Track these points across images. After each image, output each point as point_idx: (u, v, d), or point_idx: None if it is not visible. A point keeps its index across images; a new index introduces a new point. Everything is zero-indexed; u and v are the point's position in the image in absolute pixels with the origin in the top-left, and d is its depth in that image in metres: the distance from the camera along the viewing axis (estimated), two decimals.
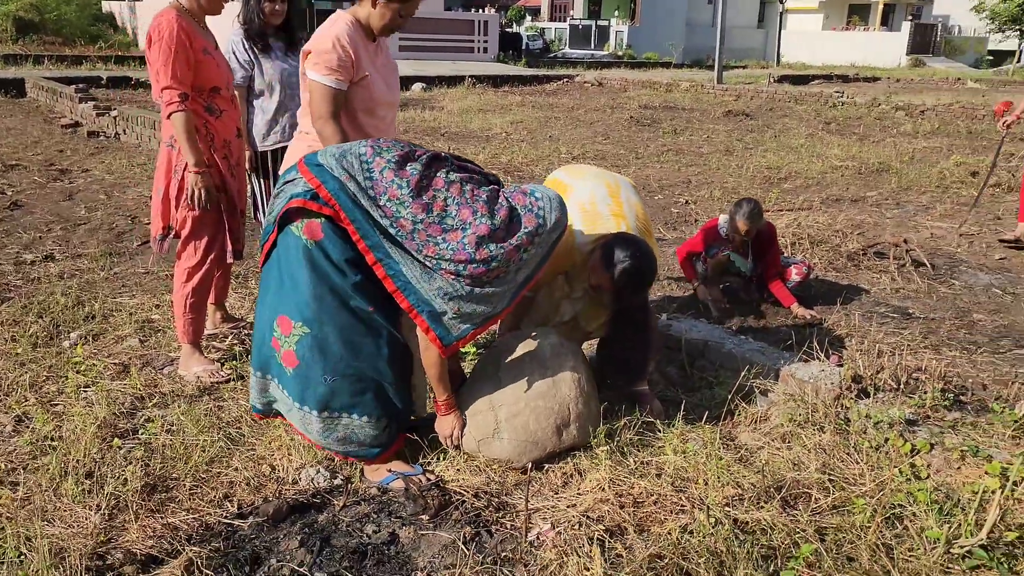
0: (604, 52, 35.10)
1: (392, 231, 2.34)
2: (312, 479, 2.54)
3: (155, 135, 8.53)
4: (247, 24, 4.01)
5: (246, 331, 3.75)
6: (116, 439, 2.73)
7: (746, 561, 2.10)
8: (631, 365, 3.00)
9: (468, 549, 2.21)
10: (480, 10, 31.45)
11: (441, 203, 2.34)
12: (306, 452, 2.66)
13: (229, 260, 3.37)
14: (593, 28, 37.81)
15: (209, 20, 3.26)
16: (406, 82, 16.99)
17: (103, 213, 5.99)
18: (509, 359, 2.72)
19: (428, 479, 2.52)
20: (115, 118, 9.53)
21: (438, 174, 2.39)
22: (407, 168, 2.36)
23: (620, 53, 34.61)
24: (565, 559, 2.13)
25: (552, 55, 31.61)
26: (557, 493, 2.50)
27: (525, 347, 2.74)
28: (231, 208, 3.29)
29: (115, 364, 3.39)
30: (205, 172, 3.12)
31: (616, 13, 41.66)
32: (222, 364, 3.37)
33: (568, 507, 2.39)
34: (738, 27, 41.50)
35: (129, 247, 5.16)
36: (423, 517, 2.35)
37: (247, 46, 4.01)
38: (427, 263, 2.35)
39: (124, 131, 9.31)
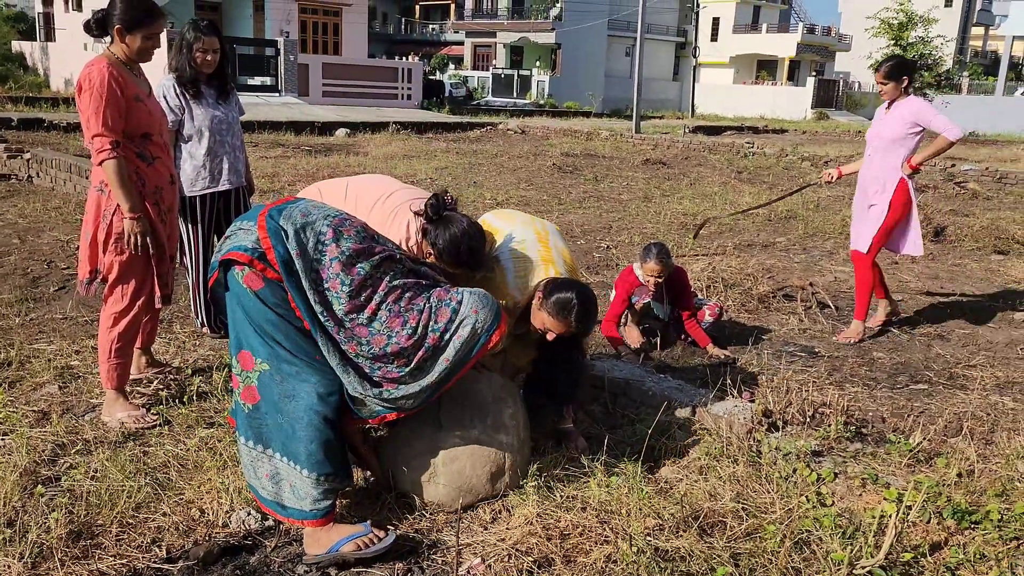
0: (526, 100, 35.89)
1: (321, 318, 2.38)
2: (243, 521, 2.55)
3: (70, 178, 8.34)
4: (178, 72, 4.04)
5: (171, 376, 3.72)
6: (38, 486, 2.68)
7: None
8: (561, 390, 3.09)
9: None
10: (404, 58, 31.80)
11: (374, 306, 2.38)
12: (236, 495, 2.66)
13: (157, 305, 3.37)
14: (515, 77, 38.68)
15: (144, 65, 3.30)
16: (330, 127, 17.04)
17: (16, 258, 5.83)
18: (450, 402, 2.73)
19: (380, 534, 2.42)
20: (28, 160, 9.28)
21: (384, 277, 2.42)
22: (356, 266, 2.39)
23: (542, 102, 35.45)
24: None
25: (475, 103, 32.17)
26: (486, 528, 2.57)
27: (467, 390, 2.76)
28: (160, 254, 3.30)
29: (34, 411, 3.31)
30: (140, 217, 3.13)
31: (537, 63, 42.76)
32: (148, 409, 3.34)
33: (497, 541, 2.47)
34: (655, 79, 43.14)
35: (46, 292, 5.04)
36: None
37: (178, 91, 4.03)
38: (347, 355, 2.41)
39: (37, 174, 9.07)
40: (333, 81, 24.64)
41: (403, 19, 53.26)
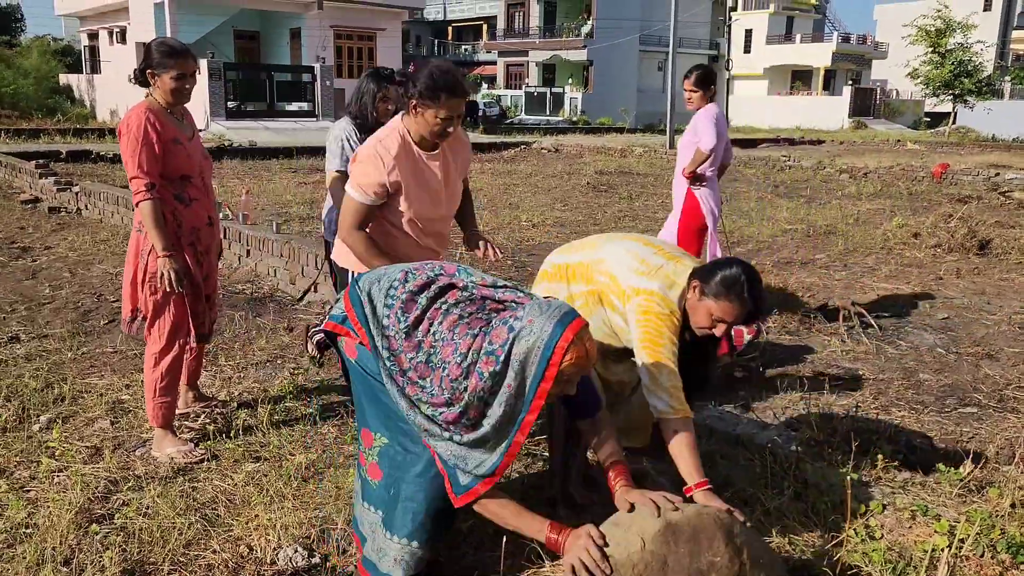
0: (559, 118, 36.01)
1: (388, 363, 2.18)
2: (290, 559, 2.58)
3: (117, 210, 8.56)
4: (358, 119, 3.96)
5: (218, 410, 3.80)
6: (93, 524, 2.75)
7: None
8: (708, 378, 2.77)
9: None
10: None
11: (431, 340, 2.12)
12: (283, 532, 2.70)
13: (192, 344, 3.46)
14: (548, 95, 38.84)
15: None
16: None
17: (68, 291, 5.99)
18: None
19: None
20: (76, 193, 9.55)
21: (443, 306, 2.16)
22: (417, 299, 2.19)
23: (575, 119, 35.54)
24: None
25: (509, 121, 32.35)
26: None
27: None
28: (195, 293, 3.39)
29: (87, 447, 3.40)
30: (174, 255, 3.23)
31: (570, 80, 42.87)
32: (195, 444, 3.41)
33: None
34: None
35: (96, 325, 5.18)
36: None
37: (358, 138, 3.94)
38: (412, 399, 2.16)
39: (86, 206, 9.33)
40: None
41: (436, 41, 53.89)
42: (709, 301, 2.45)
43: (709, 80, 5.24)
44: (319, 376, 4.26)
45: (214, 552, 2.62)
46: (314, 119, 23.54)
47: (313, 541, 2.69)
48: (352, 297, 2.33)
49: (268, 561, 2.59)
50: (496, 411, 2.02)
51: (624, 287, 2.60)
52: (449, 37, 54.39)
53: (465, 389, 2.02)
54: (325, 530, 2.72)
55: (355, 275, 2.42)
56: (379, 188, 2.93)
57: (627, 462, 2.31)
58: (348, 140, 3.99)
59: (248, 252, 6.76)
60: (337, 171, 3.97)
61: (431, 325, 2.13)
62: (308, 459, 3.25)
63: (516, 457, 2.19)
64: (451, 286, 2.22)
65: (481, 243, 3.34)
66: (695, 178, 5.32)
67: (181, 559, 2.59)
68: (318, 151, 16.61)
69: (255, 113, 23.08)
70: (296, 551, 2.62)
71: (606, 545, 2.03)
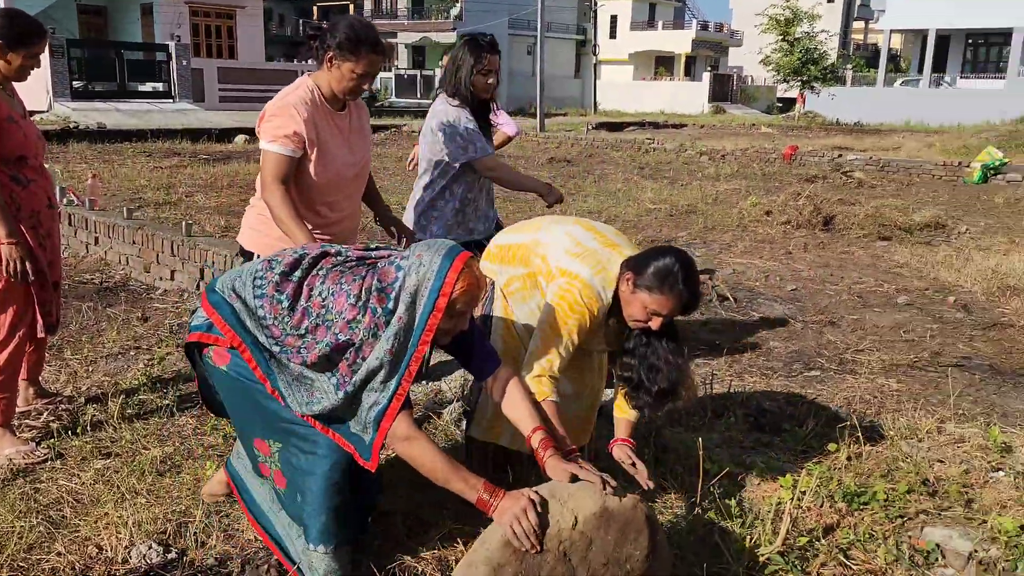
0: (430, 101, 35.67)
1: (276, 350, 2.12)
2: (144, 556, 2.46)
3: None
4: (455, 96, 3.54)
5: (63, 406, 3.56)
6: None
7: None
8: (664, 385, 2.48)
9: None
10: (304, 60, 31.19)
11: (318, 301, 2.07)
12: (136, 529, 2.57)
13: (41, 335, 3.22)
14: (418, 77, 38.48)
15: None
16: (228, 134, 16.57)
17: None
18: None
19: None
20: None
21: (318, 272, 2.13)
22: (290, 276, 2.13)
23: None
24: None
25: (379, 104, 31.83)
26: None
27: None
28: (41, 281, 3.15)
29: None
30: (18, 242, 2.98)
31: (440, 63, 42.57)
32: (37, 443, 3.18)
33: None
34: (557, 77, 43.55)
35: None
36: None
37: (469, 117, 3.55)
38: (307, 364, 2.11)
39: None
40: (230, 86, 23.98)
41: (300, 20, 52.19)
42: (643, 294, 2.34)
43: None
44: (177, 365, 4.07)
45: (59, 555, 2.46)
46: (171, 100, 22.35)
47: (169, 536, 2.57)
48: (213, 300, 2.23)
49: (119, 560, 2.46)
50: (385, 345, 2.00)
51: (553, 267, 2.51)
52: (315, 16, 52.78)
53: (361, 326, 2.02)
54: (183, 524, 2.61)
55: (206, 286, 2.28)
56: (297, 138, 2.80)
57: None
58: (467, 127, 3.52)
59: (96, 239, 6.36)
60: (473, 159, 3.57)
61: (311, 291, 2.09)
62: (164, 452, 3.10)
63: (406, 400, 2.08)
64: (323, 255, 2.19)
65: (394, 228, 3.28)
66: None
67: (22, 564, 2.41)
68: (174, 134, 15.80)
69: (104, 94, 21.61)
70: (151, 547, 2.50)
71: (546, 513, 1.98)
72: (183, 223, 5.72)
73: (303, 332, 2.08)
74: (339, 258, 2.16)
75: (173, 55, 22.50)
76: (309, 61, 31.97)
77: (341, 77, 2.80)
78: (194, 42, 25.38)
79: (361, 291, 2.03)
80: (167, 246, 5.58)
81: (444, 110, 3.59)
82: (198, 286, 5.30)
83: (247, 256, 3.10)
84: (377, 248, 2.23)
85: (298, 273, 2.13)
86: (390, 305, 2.00)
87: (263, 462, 2.32)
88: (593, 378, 2.80)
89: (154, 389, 3.76)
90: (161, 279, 5.65)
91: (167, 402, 3.58)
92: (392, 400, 2.04)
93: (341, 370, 2.07)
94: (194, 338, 2.27)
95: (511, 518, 1.93)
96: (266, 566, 2.37)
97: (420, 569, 2.39)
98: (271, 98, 2.92)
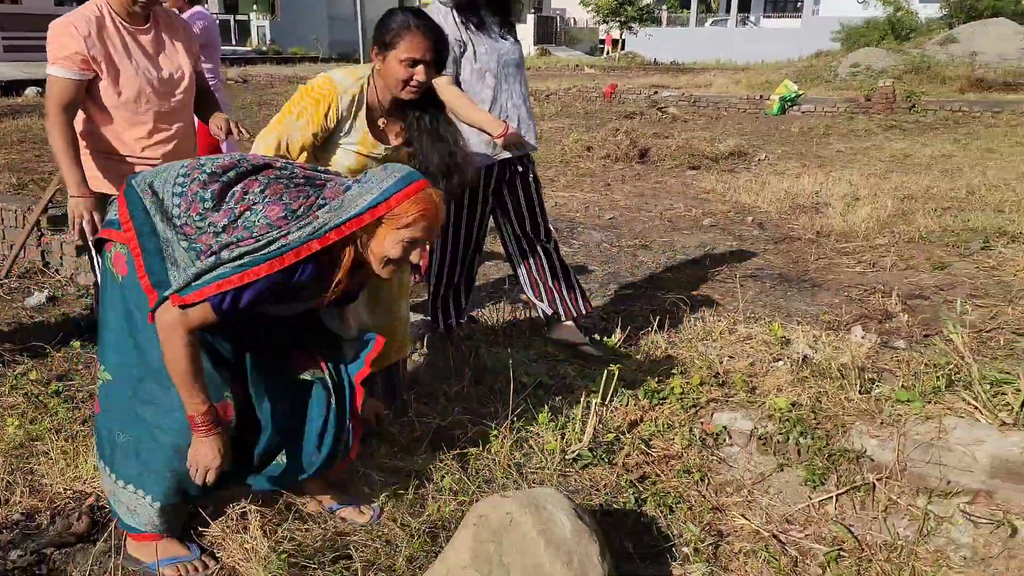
0: (247, 48, 33.95)
1: (184, 247, 1.92)
2: None
3: None
4: None
5: None
6: None
7: None
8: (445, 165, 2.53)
9: None
10: None
11: (248, 204, 1.92)
12: None
13: None
14: (232, 22, 36.34)
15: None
16: (16, 86, 15.08)
17: None
18: (517, 539, 1.89)
19: (202, 567, 2.14)
20: None
21: (259, 178, 1.98)
22: (221, 177, 1.96)
23: (264, 48, 33.73)
24: None
25: None
26: None
27: (534, 522, 1.90)
28: None
29: None
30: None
31: (255, 7, 40.38)
32: None
33: None
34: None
35: None
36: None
37: (458, 21, 3.10)
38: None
39: None
40: (15, 34, 21.61)
41: None
42: (392, 52, 2.37)
43: None
44: None
45: None
46: None
47: None
48: (128, 195, 2.02)
49: None
50: (306, 229, 1.87)
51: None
52: None
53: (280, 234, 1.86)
54: None
55: (128, 178, 2.06)
56: (79, 58, 2.63)
57: None
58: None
59: None
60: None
61: (246, 194, 1.93)
62: None
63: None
64: (266, 166, 2.03)
65: (221, 120, 2.98)
66: None
67: None
68: None
69: None
70: None
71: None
72: None
73: (219, 230, 1.90)
74: (284, 172, 2.01)
75: None
76: None
77: None
78: None
79: (300, 208, 1.90)
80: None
81: (435, 7, 3.19)
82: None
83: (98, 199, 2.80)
84: (327, 171, 2.13)
85: (231, 174, 1.97)
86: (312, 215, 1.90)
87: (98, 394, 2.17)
88: (388, 294, 2.75)
89: None
90: None
91: None
92: (225, 276, 1.83)
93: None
94: (104, 235, 2.08)
95: (202, 457, 1.98)
96: (76, 513, 2.30)
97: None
98: None
